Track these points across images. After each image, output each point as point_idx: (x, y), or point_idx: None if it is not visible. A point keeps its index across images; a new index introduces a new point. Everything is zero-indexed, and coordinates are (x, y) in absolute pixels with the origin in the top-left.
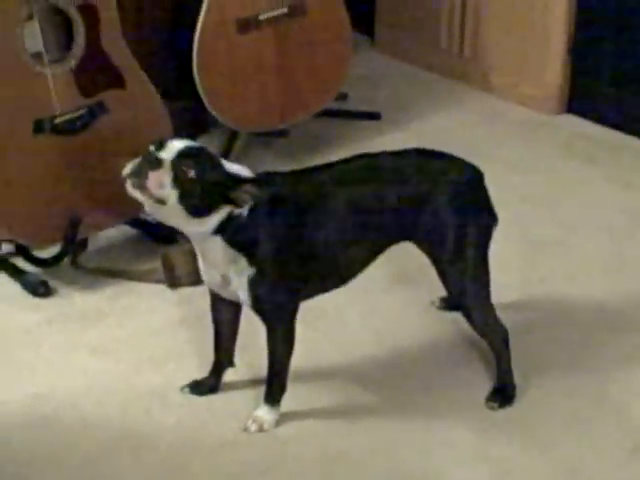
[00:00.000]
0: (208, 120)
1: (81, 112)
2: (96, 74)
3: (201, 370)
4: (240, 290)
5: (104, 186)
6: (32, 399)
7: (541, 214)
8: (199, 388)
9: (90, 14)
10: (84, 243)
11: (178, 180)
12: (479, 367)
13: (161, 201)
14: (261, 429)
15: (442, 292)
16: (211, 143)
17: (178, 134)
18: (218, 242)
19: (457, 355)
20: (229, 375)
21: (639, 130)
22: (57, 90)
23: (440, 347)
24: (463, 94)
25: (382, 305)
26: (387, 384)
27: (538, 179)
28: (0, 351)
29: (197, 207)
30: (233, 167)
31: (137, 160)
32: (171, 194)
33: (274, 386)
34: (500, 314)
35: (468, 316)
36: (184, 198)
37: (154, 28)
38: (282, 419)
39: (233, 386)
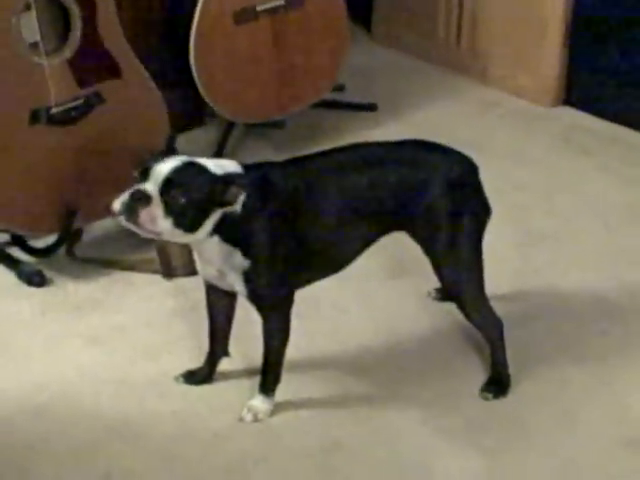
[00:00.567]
0: (205, 111)
1: (78, 102)
2: (93, 64)
3: (196, 360)
4: (236, 282)
5: (100, 176)
6: (27, 388)
7: (536, 205)
8: (194, 378)
9: (87, 4)
10: (79, 233)
11: (169, 210)
12: (474, 358)
13: (157, 233)
14: (256, 419)
15: (437, 283)
16: (207, 134)
17: (157, 153)
18: (214, 241)
19: (452, 346)
20: (224, 365)
21: (635, 122)
22: (54, 80)
23: (435, 338)
24: (460, 85)
25: (378, 296)
26: (382, 374)
27: (534, 171)
28: None
29: (192, 224)
30: (220, 163)
31: (125, 196)
32: (165, 224)
33: (269, 376)
34: (495, 305)
35: (462, 307)
36: (178, 223)
37: (151, 18)
38: (277, 409)
39: (228, 376)
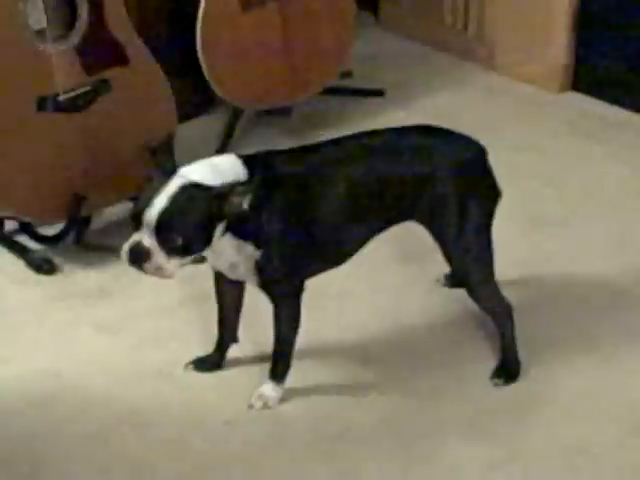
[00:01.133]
0: (212, 98)
1: (84, 89)
2: (100, 52)
3: (205, 347)
4: (248, 272)
5: (108, 163)
6: (36, 376)
7: (545, 192)
8: (203, 365)
9: None
10: (88, 220)
11: (171, 252)
12: (483, 344)
13: (168, 276)
14: (266, 406)
15: (446, 269)
16: (215, 121)
17: (149, 175)
18: (225, 239)
19: (461, 332)
20: (233, 352)
21: None
22: (60, 68)
23: (445, 324)
24: (467, 72)
25: (387, 283)
26: (392, 362)
27: (542, 157)
28: (4, 328)
29: (200, 247)
30: (218, 165)
31: (125, 251)
32: (172, 264)
33: (279, 363)
34: (504, 291)
35: (472, 293)
36: (185, 255)
37: (158, 5)
38: (286, 396)
39: (237, 363)
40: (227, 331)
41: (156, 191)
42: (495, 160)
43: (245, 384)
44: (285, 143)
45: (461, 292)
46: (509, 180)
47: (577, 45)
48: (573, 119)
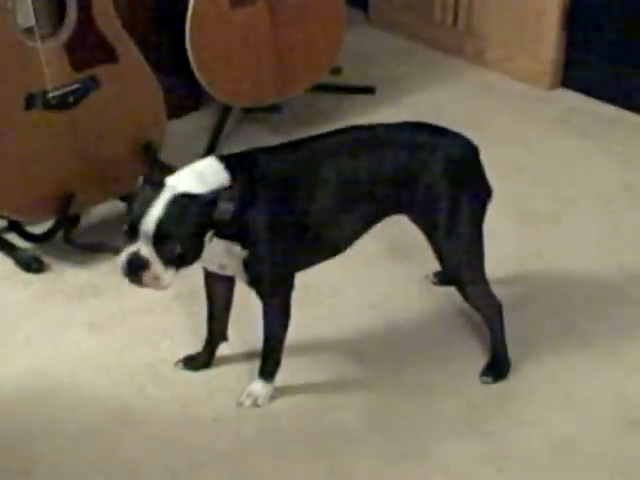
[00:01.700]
0: (201, 95)
1: (73, 87)
2: (88, 49)
3: (195, 345)
4: (236, 271)
5: (97, 161)
6: (26, 374)
7: (536, 188)
8: (193, 363)
9: None
10: (77, 219)
11: (168, 261)
12: (473, 342)
13: (164, 287)
14: (255, 404)
15: (436, 267)
16: (204, 118)
17: (142, 184)
18: (214, 242)
19: (451, 330)
20: (223, 350)
21: (634, 104)
22: (49, 65)
23: (434, 322)
24: (457, 68)
25: (376, 280)
26: (381, 359)
27: (532, 153)
28: None
29: (194, 257)
30: (200, 170)
31: (123, 262)
32: (169, 275)
33: (269, 361)
34: (495, 288)
35: (462, 290)
36: (181, 265)
37: (147, 3)
38: (276, 394)
39: (227, 361)
40: (217, 329)
41: (147, 203)
42: (485, 156)
43: (234, 382)
44: (275, 140)
45: (451, 290)
46: (499, 176)
47: (567, 42)
48: (563, 115)
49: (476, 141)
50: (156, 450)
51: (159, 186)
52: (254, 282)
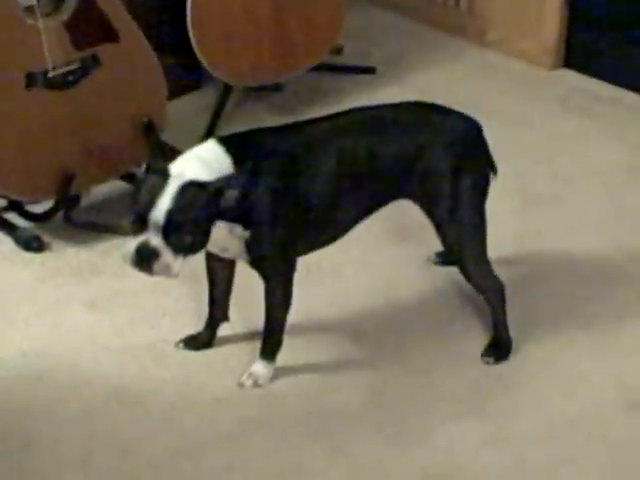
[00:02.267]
0: (202, 75)
1: (74, 66)
2: (89, 28)
3: (196, 325)
4: (238, 252)
5: (97, 141)
6: (26, 355)
7: (538, 168)
8: (194, 343)
9: None
10: (77, 198)
11: (178, 250)
12: (475, 322)
13: (173, 276)
14: (256, 384)
15: (437, 247)
16: (205, 97)
17: (145, 170)
18: (216, 225)
19: (453, 310)
20: (224, 330)
21: (635, 84)
22: (50, 44)
23: (436, 302)
24: (459, 48)
25: (378, 261)
26: (382, 339)
27: (534, 133)
28: None
29: (202, 245)
30: (202, 156)
31: (131, 252)
32: (178, 264)
33: (270, 341)
34: (496, 268)
35: (464, 271)
36: (189, 253)
37: None
38: (277, 374)
39: (228, 341)
40: (218, 309)
41: (154, 192)
42: (487, 136)
43: (236, 362)
44: (276, 120)
45: (452, 270)
46: (501, 156)
47: (570, 22)
48: (565, 96)
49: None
50: (156, 430)
51: (164, 175)
52: (256, 263)
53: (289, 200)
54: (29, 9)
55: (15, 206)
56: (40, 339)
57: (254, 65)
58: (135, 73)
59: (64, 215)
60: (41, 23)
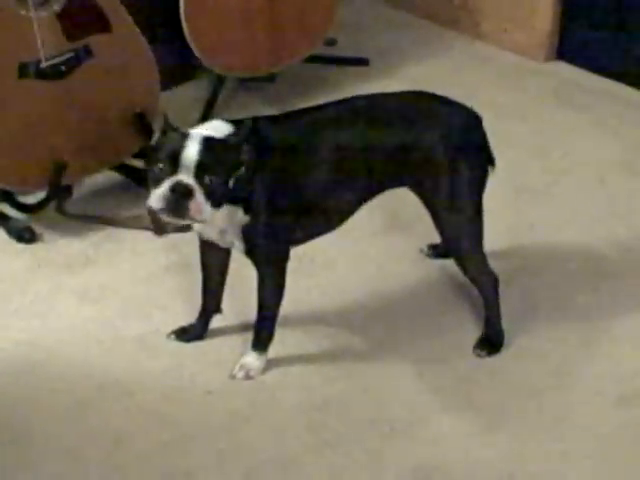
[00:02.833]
0: (195, 65)
1: (67, 56)
2: (82, 18)
3: (188, 317)
4: (235, 238)
5: (90, 131)
6: (17, 346)
7: (530, 161)
8: (186, 335)
9: None
10: (69, 189)
11: (208, 194)
12: (467, 315)
13: (203, 220)
14: (248, 376)
15: (430, 240)
16: (198, 88)
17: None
18: (222, 209)
19: (445, 303)
20: (216, 321)
21: (629, 77)
22: (42, 34)
23: (428, 295)
24: (452, 40)
25: (370, 252)
26: (375, 331)
27: (527, 126)
28: None
29: (225, 198)
30: (214, 126)
31: (165, 192)
32: (209, 209)
33: (262, 333)
34: (489, 261)
35: (460, 261)
36: (216, 203)
37: None
38: (269, 366)
39: (220, 333)
40: (211, 301)
41: (179, 142)
42: None
43: (228, 354)
44: (268, 111)
45: (445, 263)
46: (494, 149)
47: (562, 14)
48: (558, 88)
49: None
50: (147, 422)
51: (183, 132)
52: (251, 250)
53: (288, 188)
54: (22, 0)
55: (7, 197)
56: (31, 330)
57: (247, 56)
58: (128, 64)
59: (56, 206)
60: (34, 14)
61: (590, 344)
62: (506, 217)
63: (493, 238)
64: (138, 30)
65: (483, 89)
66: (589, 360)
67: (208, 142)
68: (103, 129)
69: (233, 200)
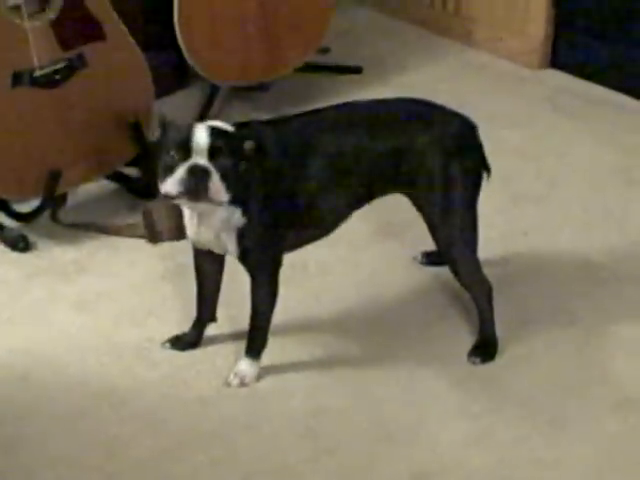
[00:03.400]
0: (189, 74)
1: (60, 65)
2: (75, 27)
3: (182, 325)
4: (229, 242)
5: (84, 140)
6: (11, 354)
7: (524, 168)
8: (180, 343)
9: None
10: (64, 197)
11: (222, 177)
12: (461, 322)
13: (220, 202)
14: (242, 383)
15: (424, 247)
16: (191, 97)
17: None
18: (220, 210)
19: (439, 310)
20: (211, 329)
21: (622, 85)
22: (36, 43)
23: (422, 302)
24: (446, 48)
25: (364, 260)
26: (369, 339)
27: (521, 133)
28: None
29: (235, 184)
30: (215, 123)
31: (183, 175)
32: (225, 191)
33: (256, 340)
34: (483, 268)
35: (455, 269)
36: (229, 186)
37: None
38: (263, 373)
39: (214, 341)
40: (206, 309)
41: (186, 130)
42: None
43: (222, 362)
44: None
45: (439, 270)
46: (487, 156)
47: (556, 21)
48: (551, 95)
49: None
50: (142, 430)
51: (188, 124)
52: (245, 255)
53: (283, 192)
54: (16, 9)
55: (1, 205)
56: (26, 338)
57: (241, 65)
58: (122, 72)
59: (51, 214)
60: (27, 22)
61: (585, 351)
62: (500, 223)
63: (486, 245)
64: (132, 39)
65: (477, 96)
66: (584, 367)
67: (215, 130)
68: (97, 137)
69: (233, 200)
